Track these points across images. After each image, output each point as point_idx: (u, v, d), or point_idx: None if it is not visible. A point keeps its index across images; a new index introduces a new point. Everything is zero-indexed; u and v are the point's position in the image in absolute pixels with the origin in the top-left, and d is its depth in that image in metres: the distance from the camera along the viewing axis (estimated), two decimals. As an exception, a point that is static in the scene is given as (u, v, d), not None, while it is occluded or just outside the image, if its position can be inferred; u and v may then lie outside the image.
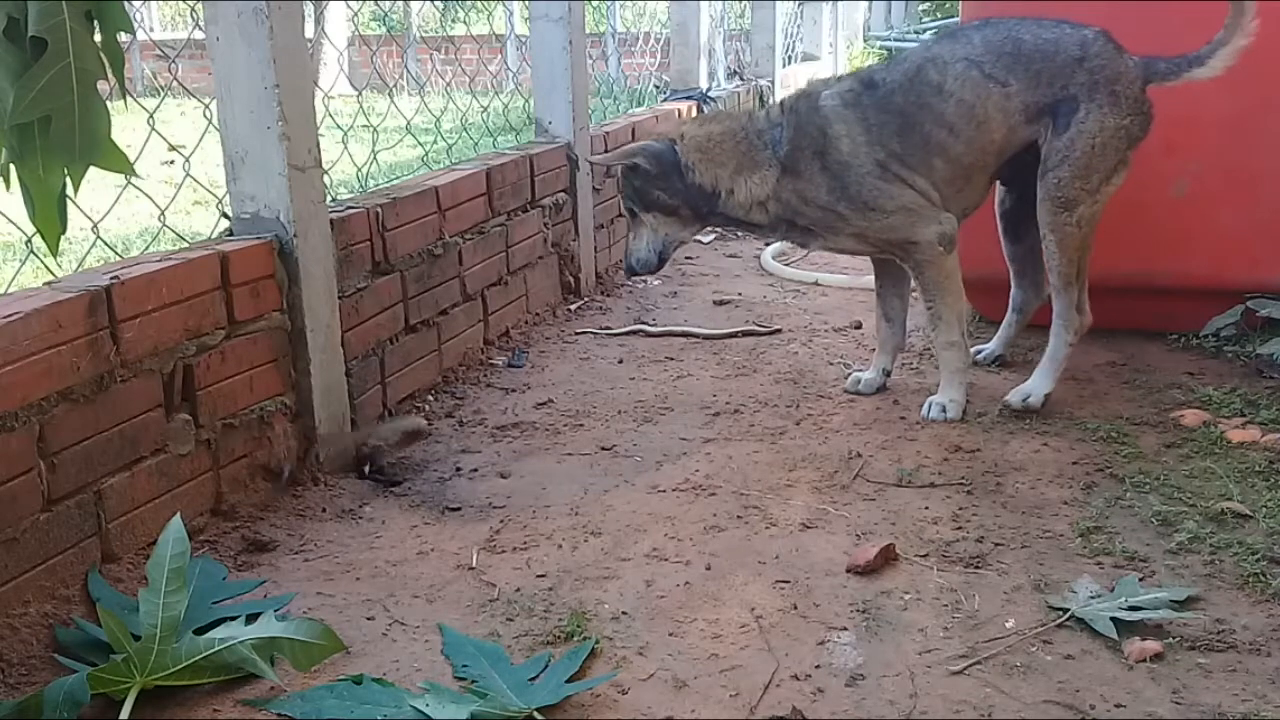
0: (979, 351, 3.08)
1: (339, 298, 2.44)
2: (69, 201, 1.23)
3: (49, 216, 1.17)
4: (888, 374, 2.92)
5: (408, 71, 8.18)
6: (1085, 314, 2.73)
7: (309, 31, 2.44)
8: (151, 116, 2.26)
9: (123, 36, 1.21)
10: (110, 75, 1.20)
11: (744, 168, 2.65)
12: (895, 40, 11.04)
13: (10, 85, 1.09)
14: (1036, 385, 2.69)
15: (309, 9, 2.65)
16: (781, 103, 2.76)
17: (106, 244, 2.47)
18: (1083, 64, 2.57)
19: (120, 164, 1.21)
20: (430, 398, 2.89)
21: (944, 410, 2.69)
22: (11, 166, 1.15)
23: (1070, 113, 2.56)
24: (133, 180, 2.10)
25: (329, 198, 2.47)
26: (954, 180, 2.64)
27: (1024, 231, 2.84)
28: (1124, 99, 2.56)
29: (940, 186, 2.62)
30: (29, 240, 2.00)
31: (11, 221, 1.96)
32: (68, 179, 1.18)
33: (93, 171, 1.24)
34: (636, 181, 2.67)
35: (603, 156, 2.71)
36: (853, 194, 2.59)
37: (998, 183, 2.84)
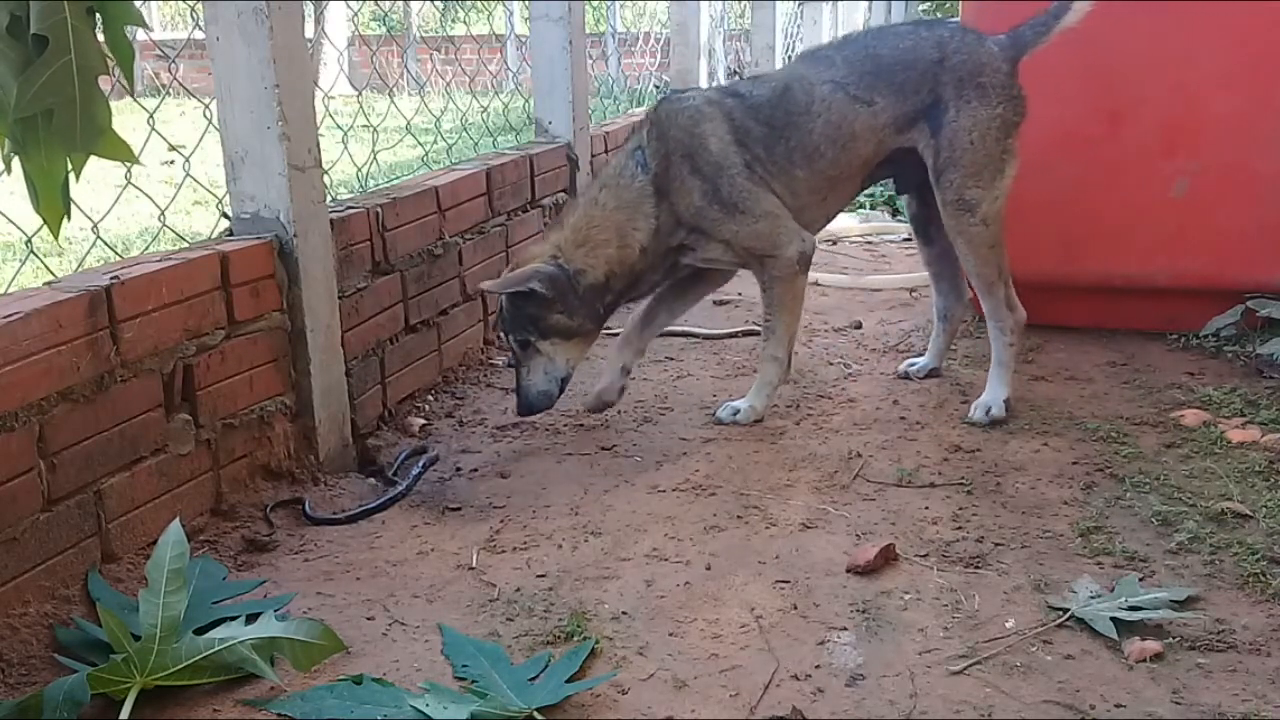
0: (912, 364, 2.98)
1: (339, 298, 2.44)
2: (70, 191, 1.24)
3: (53, 203, 1.18)
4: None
5: (408, 71, 8.18)
6: (1018, 310, 2.69)
7: (309, 31, 2.44)
8: (151, 116, 2.26)
9: (137, 34, 1.22)
10: (118, 71, 1.20)
11: (625, 224, 2.56)
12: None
13: (14, 80, 1.10)
14: (994, 395, 2.64)
15: (309, 9, 2.65)
16: (639, 123, 2.69)
17: (106, 244, 2.47)
18: (943, 64, 2.56)
19: (122, 152, 1.21)
20: (430, 398, 2.89)
21: (736, 413, 2.68)
22: (15, 157, 1.16)
23: (941, 114, 2.55)
24: (133, 180, 2.11)
25: (329, 198, 2.47)
26: (818, 189, 2.63)
27: (934, 233, 2.79)
28: (992, 89, 2.55)
29: (801, 195, 2.61)
30: (29, 240, 2.01)
31: (11, 221, 1.97)
32: (70, 168, 1.19)
33: (94, 171, 1.25)
34: (531, 309, 2.50)
35: (493, 284, 2.54)
36: (724, 195, 2.55)
37: (904, 192, 2.85)
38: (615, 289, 2.60)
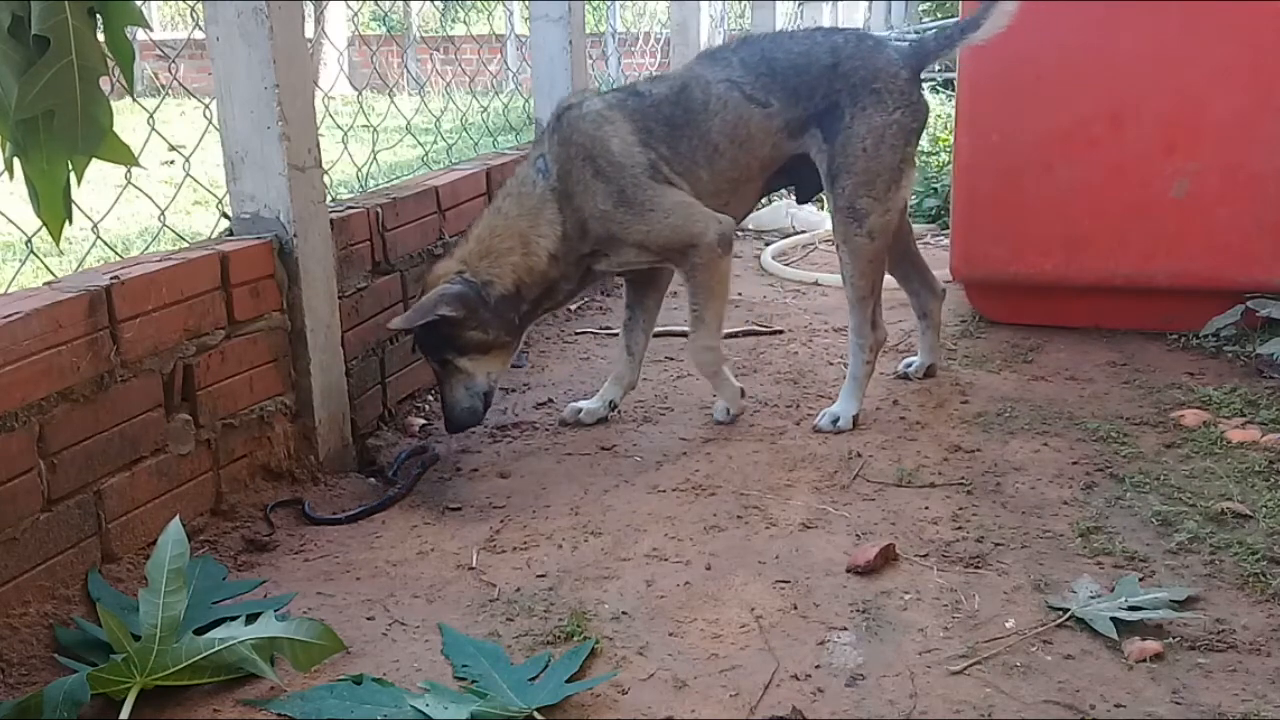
0: (909, 364, 2.98)
1: (339, 298, 2.44)
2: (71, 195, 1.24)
3: (54, 207, 1.18)
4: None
5: (408, 71, 8.18)
6: (880, 329, 2.68)
7: (309, 31, 2.44)
8: (151, 116, 2.26)
9: (137, 34, 1.22)
10: (118, 72, 1.20)
11: (528, 231, 2.50)
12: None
13: (15, 81, 1.10)
14: (843, 408, 2.64)
15: (309, 9, 2.65)
16: (542, 130, 2.67)
17: (106, 244, 2.47)
18: (837, 70, 2.55)
19: (123, 155, 1.21)
20: (430, 397, 2.89)
21: (727, 412, 2.68)
22: (15, 160, 1.16)
23: (837, 120, 2.54)
24: (133, 180, 2.11)
25: (329, 198, 2.47)
26: (719, 192, 2.61)
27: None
28: (888, 94, 2.54)
29: (704, 197, 2.58)
30: (29, 240, 2.01)
31: (11, 221, 1.97)
32: (71, 171, 1.18)
33: (94, 172, 1.25)
34: (444, 329, 2.43)
35: (401, 320, 2.43)
36: (629, 196, 2.49)
37: (804, 201, 2.84)
38: (528, 298, 2.54)
